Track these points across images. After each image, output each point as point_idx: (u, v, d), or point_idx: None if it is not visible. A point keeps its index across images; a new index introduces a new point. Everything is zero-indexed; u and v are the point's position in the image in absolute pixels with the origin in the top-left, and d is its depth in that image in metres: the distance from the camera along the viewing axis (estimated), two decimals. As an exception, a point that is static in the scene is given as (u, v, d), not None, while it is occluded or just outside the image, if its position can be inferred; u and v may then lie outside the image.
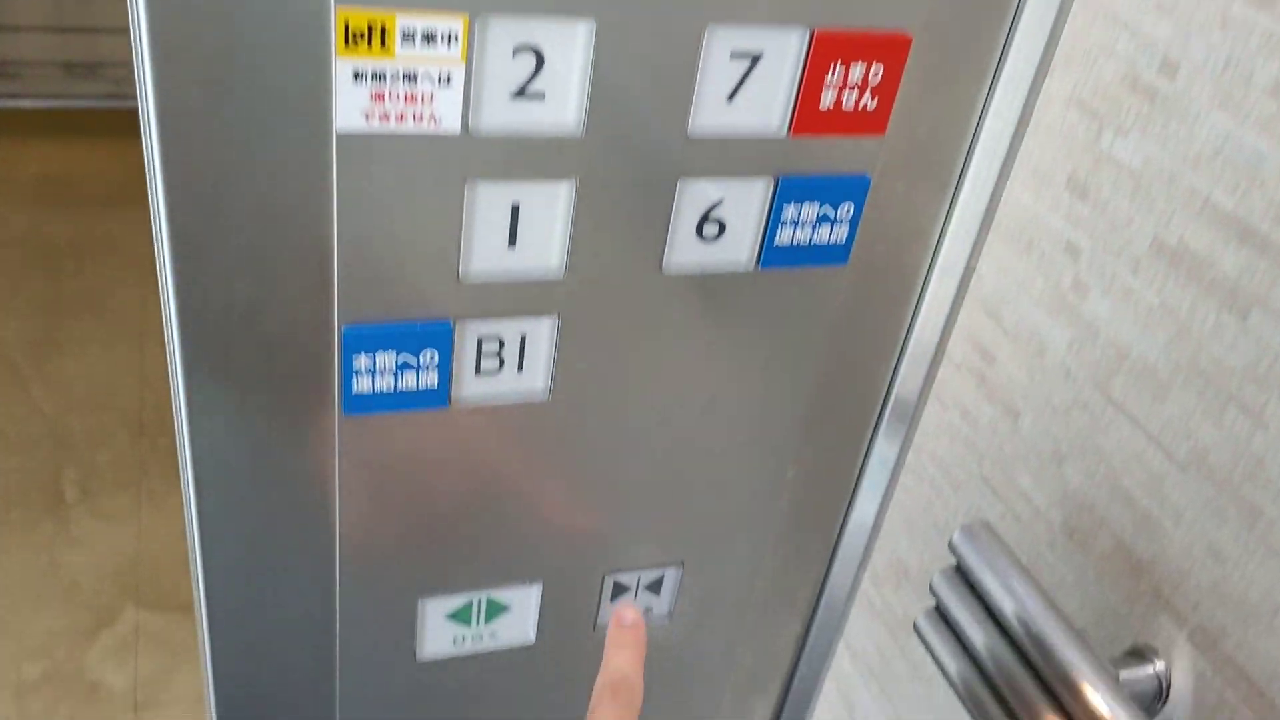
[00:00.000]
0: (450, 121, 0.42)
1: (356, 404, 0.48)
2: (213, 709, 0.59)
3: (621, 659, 0.56)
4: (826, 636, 0.71)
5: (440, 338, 0.48)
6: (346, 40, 0.39)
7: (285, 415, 0.48)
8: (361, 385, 0.48)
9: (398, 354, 0.48)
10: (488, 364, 0.50)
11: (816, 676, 0.72)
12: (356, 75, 0.40)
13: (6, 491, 2.00)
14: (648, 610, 0.64)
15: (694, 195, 0.48)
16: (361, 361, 0.47)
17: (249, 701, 0.60)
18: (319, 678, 0.60)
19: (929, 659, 0.61)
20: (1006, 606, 0.46)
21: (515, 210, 0.46)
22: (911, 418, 0.60)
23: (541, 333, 0.50)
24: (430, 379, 0.49)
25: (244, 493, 0.51)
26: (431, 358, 0.48)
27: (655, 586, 0.63)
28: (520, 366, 0.51)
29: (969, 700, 0.48)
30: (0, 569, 1.86)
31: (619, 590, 0.62)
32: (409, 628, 0.59)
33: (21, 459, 2.07)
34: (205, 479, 0.49)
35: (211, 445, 0.48)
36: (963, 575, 0.49)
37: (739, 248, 0.50)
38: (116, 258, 2.61)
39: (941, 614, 0.50)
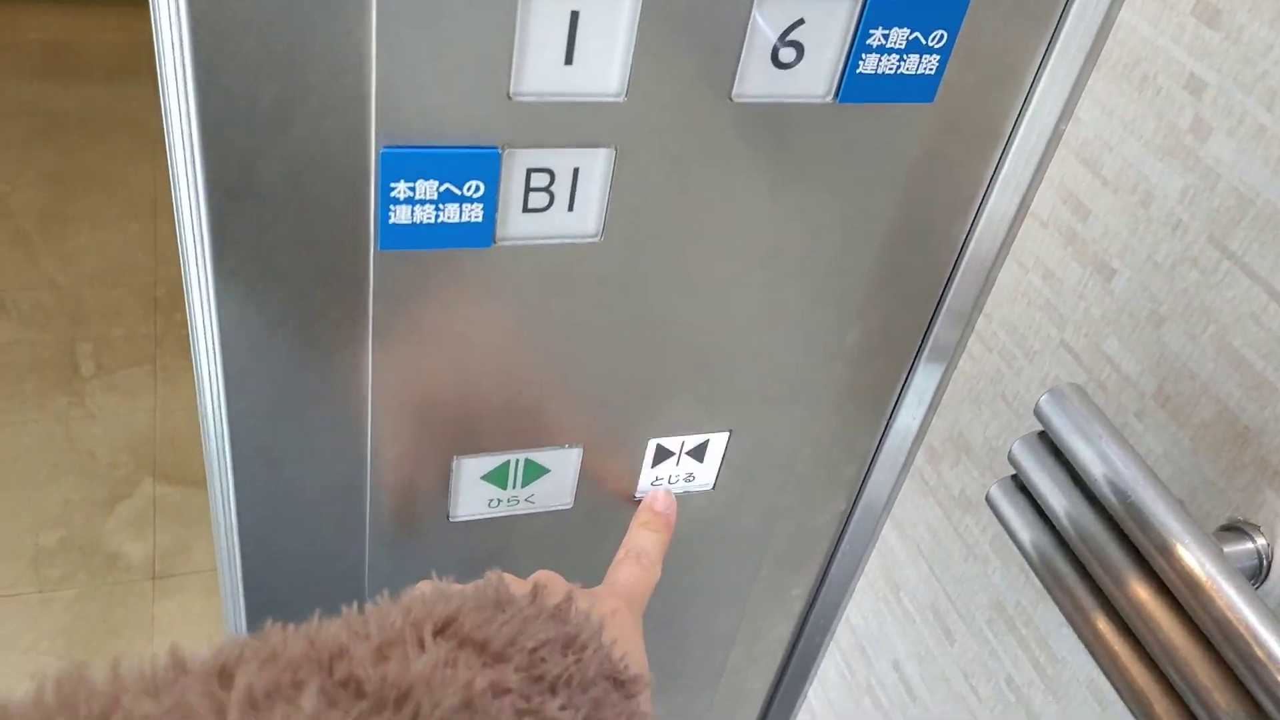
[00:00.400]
0: (508, -96, 0.37)
1: (393, 237, 0.44)
2: (239, 573, 0.57)
3: (646, 539, 0.54)
4: (873, 514, 0.68)
5: (486, 166, 0.44)
6: None
7: (315, 247, 0.44)
8: (399, 216, 0.44)
9: (440, 183, 0.43)
10: (536, 200, 0.46)
11: (860, 555, 0.70)
12: None
13: (20, 363, 1.98)
14: (689, 477, 0.61)
15: (772, 12, 0.43)
16: (400, 189, 0.43)
17: (275, 565, 0.57)
18: (348, 537, 0.57)
19: (984, 539, 0.58)
20: (1097, 472, 0.42)
21: (574, 19, 0.41)
22: (986, 280, 0.56)
23: (596, 166, 0.45)
24: (474, 213, 0.45)
25: (270, 337, 0.47)
26: (476, 189, 0.44)
27: (699, 453, 0.60)
28: (571, 204, 0.46)
29: (1044, 570, 0.45)
30: (16, 440, 1.86)
31: (662, 455, 0.59)
32: (442, 488, 0.56)
33: (35, 332, 2.05)
34: (229, 319, 0.45)
35: (234, 281, 0.44)
36: (1047, 442, 0.45)
37: (817, 77, 0.45)
38: (126, 132, 2.55)
39: (1019, 484, 0.47)
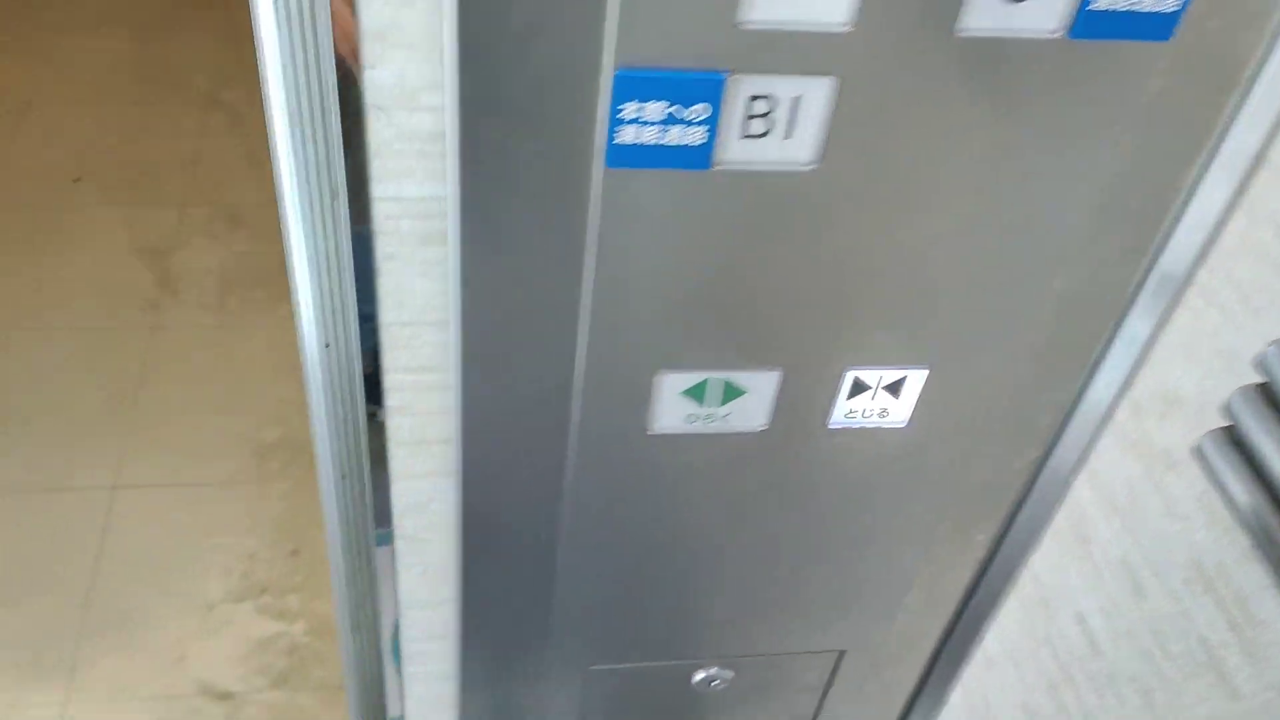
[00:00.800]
0: None
1: (619, 156, 0.47)
2: (459, 467, 0.61)
3: None
4: (1066, 464, 0.67)
5: (711, 90, 0.45)
6: None
7: (548, 161, 0.47)
8: (625, 136, 0.46)
9: (668, 104, 0.46)
10: (756, 126, 0.47)
11: (1049, 505, 0.69)
12: None
13: (253, 272, 2.15)
14: (884, 412, 0.62)
15: (1009, -58, 0.43)
16: (629, 110, 0.45)
17: (486, 466, 0.62)
18: (551, 444, 0.61)
19: (1188, 495, 0.57)
20: (1320, 430, 0.41)
21: (809, -53, 0.42)
22: (1212, 229, 0.54)
23: (818, 95, 0.46)
24: (696, 136, 0.47)
25: (503, 244, 0.50)
26: (701, 112, 0.46)
27: (895, 389, 0.61)
28: (789, 131, 0.48)
29: (1259, 531, 0.44)
30: (244, 341, 2.02)
31: (858, 388, 0.60)
32: (643, 401, 0.59)
33: (267, 244, 2.22)
34: (470, 223, 0.49)
35: (476, 191, 0.48)
36: (1268, 395, 0.44)
37: (1049, 11, 0.45)
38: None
39: (1233, 437, 0.46)
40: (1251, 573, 0.52)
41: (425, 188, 0.50)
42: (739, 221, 0.51)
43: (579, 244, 0.51)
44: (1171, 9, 0.45)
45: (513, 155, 0.47)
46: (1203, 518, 0.56)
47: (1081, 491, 0.67)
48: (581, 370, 0.56)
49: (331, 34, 0.46)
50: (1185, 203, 0.53)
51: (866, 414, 0.62)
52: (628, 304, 0.54)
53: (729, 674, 0.77)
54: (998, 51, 0.46)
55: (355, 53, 0.45)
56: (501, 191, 0.48)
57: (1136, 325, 0.59)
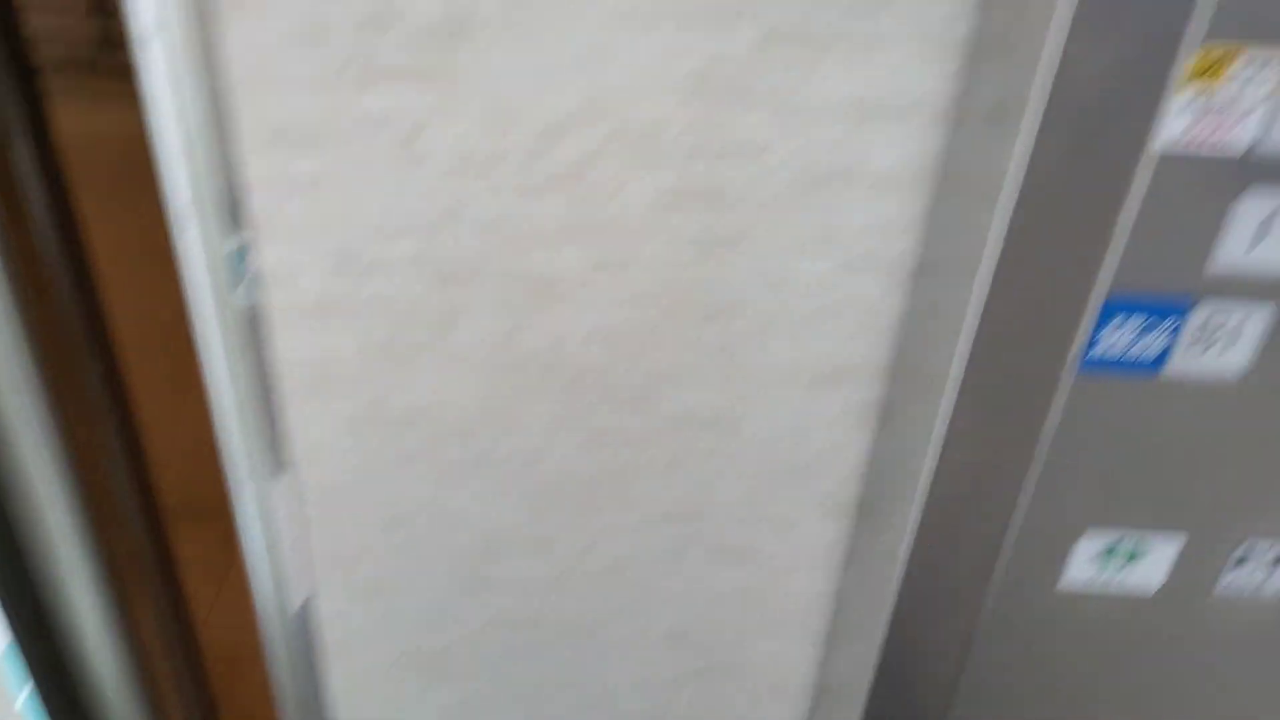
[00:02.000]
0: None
1: (1089, 365, 0.61)
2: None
3: None
4: None
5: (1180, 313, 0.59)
6: None
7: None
8: (1099, 349, 0.60)
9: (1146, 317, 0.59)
10: (1201, 342, 0.61)
11: None
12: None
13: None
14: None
15: None
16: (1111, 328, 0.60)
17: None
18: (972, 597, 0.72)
19: None
20: None
21: (1270, 219, 0.56)
22: None
23: (1260, 318, 0.59)
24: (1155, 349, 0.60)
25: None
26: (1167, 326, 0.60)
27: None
28: (1229, 347, 0.61)
29: None
30: None
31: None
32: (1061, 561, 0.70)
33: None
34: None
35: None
36: None
37: None
38: None
39: None
40: None
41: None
42: (1181, 423, 0.63)
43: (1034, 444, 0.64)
44: None
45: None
46: None
47: None
48: (1012, 533, 0.69)
49: None
50: None
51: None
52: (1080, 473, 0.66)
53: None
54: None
55: None
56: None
57: None
